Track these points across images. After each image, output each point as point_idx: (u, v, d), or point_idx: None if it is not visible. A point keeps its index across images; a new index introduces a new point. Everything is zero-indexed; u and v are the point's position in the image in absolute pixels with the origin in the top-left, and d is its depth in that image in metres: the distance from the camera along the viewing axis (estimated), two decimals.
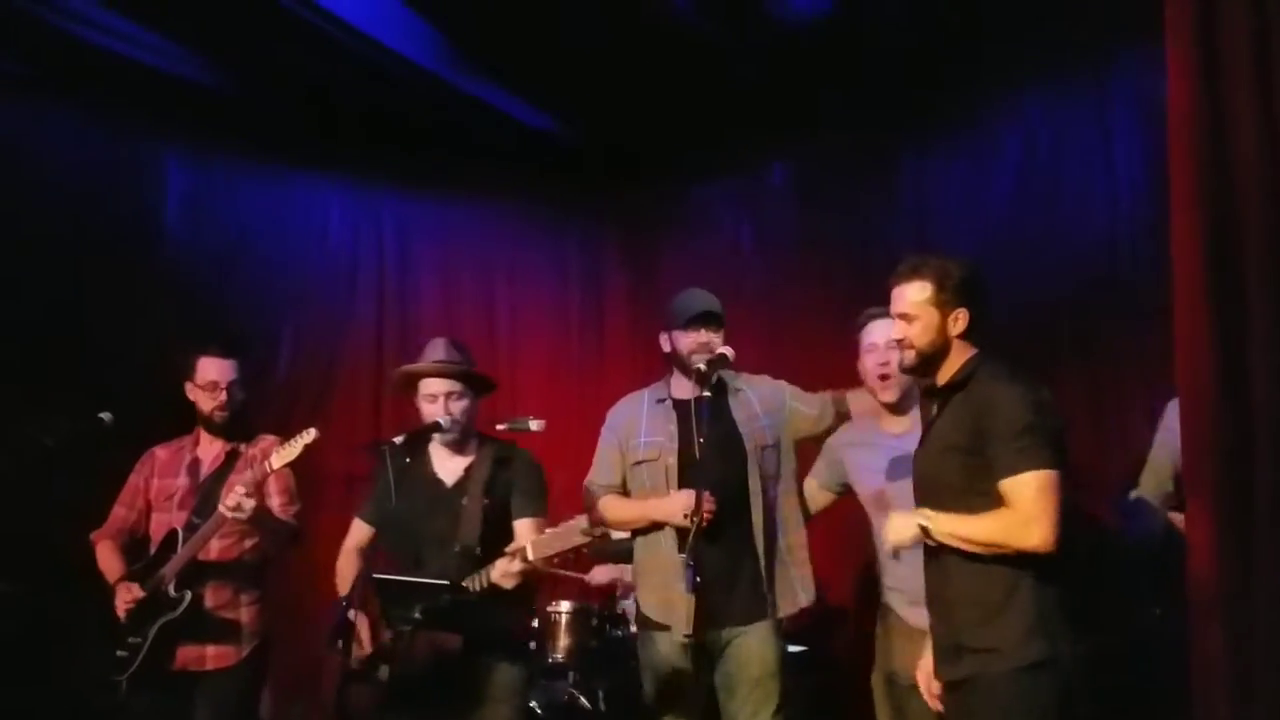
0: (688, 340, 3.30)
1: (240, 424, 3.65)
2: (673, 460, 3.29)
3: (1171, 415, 3.01)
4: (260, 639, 3.55)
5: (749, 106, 5.11)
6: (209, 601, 3.43)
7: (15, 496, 3.23)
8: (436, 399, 3.20)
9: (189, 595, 3.36)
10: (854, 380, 3.42)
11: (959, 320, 2.54)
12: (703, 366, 3.13)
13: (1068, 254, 4.17)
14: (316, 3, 4.12)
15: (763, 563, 3.20)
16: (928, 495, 2.52)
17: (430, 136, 5.36)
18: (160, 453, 3.68)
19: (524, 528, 3.18)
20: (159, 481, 3.62)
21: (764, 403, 3.37)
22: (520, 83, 4.97)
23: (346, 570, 3.27)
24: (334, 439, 5.13)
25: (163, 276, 4.88)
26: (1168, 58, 1.71)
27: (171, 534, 3.47)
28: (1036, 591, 2.33)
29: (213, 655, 3.43)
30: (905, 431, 3.08)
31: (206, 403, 3.58)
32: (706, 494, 3.04)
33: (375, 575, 2.97)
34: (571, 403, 5.77)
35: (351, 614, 2.86)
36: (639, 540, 3.38)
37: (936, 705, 2.60)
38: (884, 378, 3.21)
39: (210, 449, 3.65)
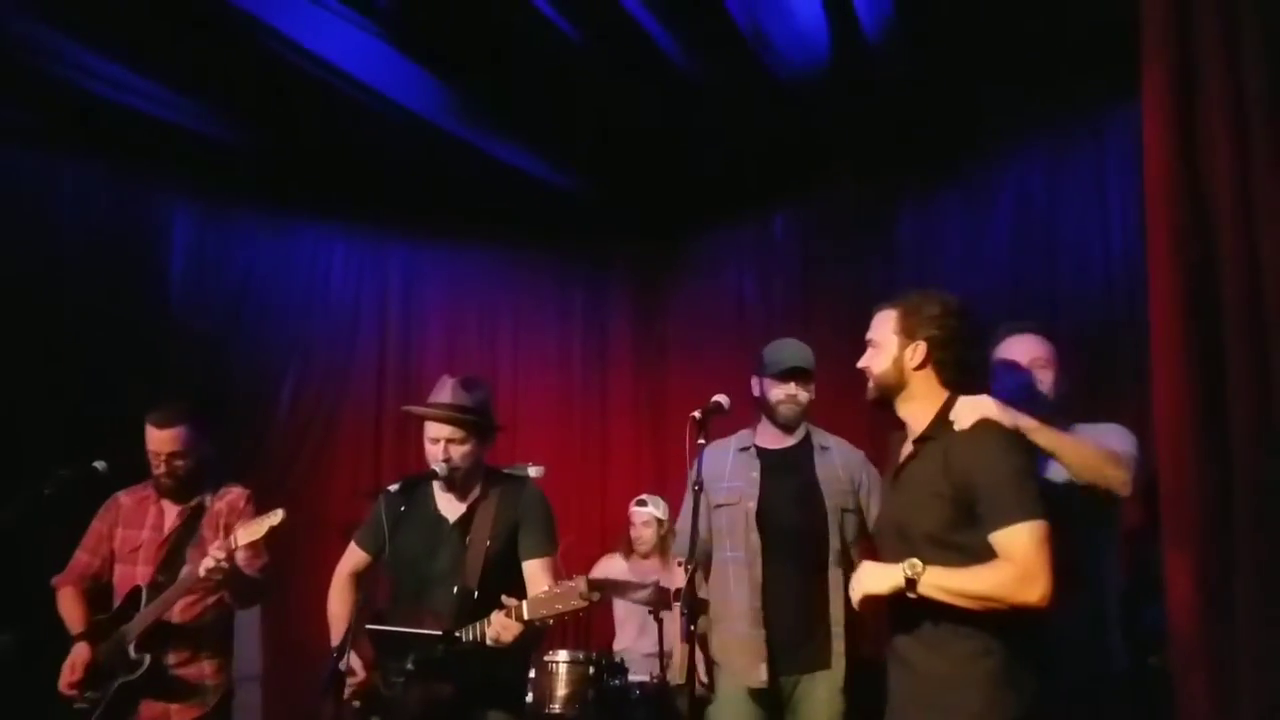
0: (776, 391, 3.40)
1: (191, 487, 3.55)
2: (752, 505, 3.35)
3: None
4: (226, 689, 3.52)
5: (751, 159, 5.18)
6: (171, 662, 3.39)
7: (14, 545, 3.23)
8: (437, 442, 3.14)
9: (148, 659, 3.32)
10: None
11: (916, 352, 2.42)
12: (697, 415, 3.06)
13: (1064, 304, 4.20)
14: (321, 56, 4.20)
15: (832, 621, 3.26)
16: (898, 542, 2.40)
17: (436, 187, 5.43)
18: (125, 499, 3.62)
19: (534, 570, 3.13)
20: (123, 531, 3.56)
21: (847, 467, 3.42)
22: (526, 136, 5.04)
23: (337, 603, 3.26)
24: (336, 485, 5.21)
25: (167, 324, 4.93)
26: (1144, 120, 1.74)
27: (135, 591, 3.43)
28: (1007, 647, 2.24)
29: (177, 711, 3.40)
30: None
31: (152, 467, 3.51)
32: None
33: (369, 627, 2.95)
34: (574, 450, 5.79)
35: (343, 665, 2.85)
36: (711, 581, 3.43)
37: None
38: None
39: (174, 503, 3.60)
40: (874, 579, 2.30)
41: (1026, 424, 2.43)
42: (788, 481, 3.39)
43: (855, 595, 2.33)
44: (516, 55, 4.35)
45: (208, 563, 3.19)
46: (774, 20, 4.15)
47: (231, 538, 3.23)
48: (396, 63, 4.38)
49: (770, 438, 3.47)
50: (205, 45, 4.16)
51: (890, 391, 2.47)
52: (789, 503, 3.34)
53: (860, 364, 2.52)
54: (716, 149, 5.12)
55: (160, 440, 3.47)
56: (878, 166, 4.98)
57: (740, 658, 3.27)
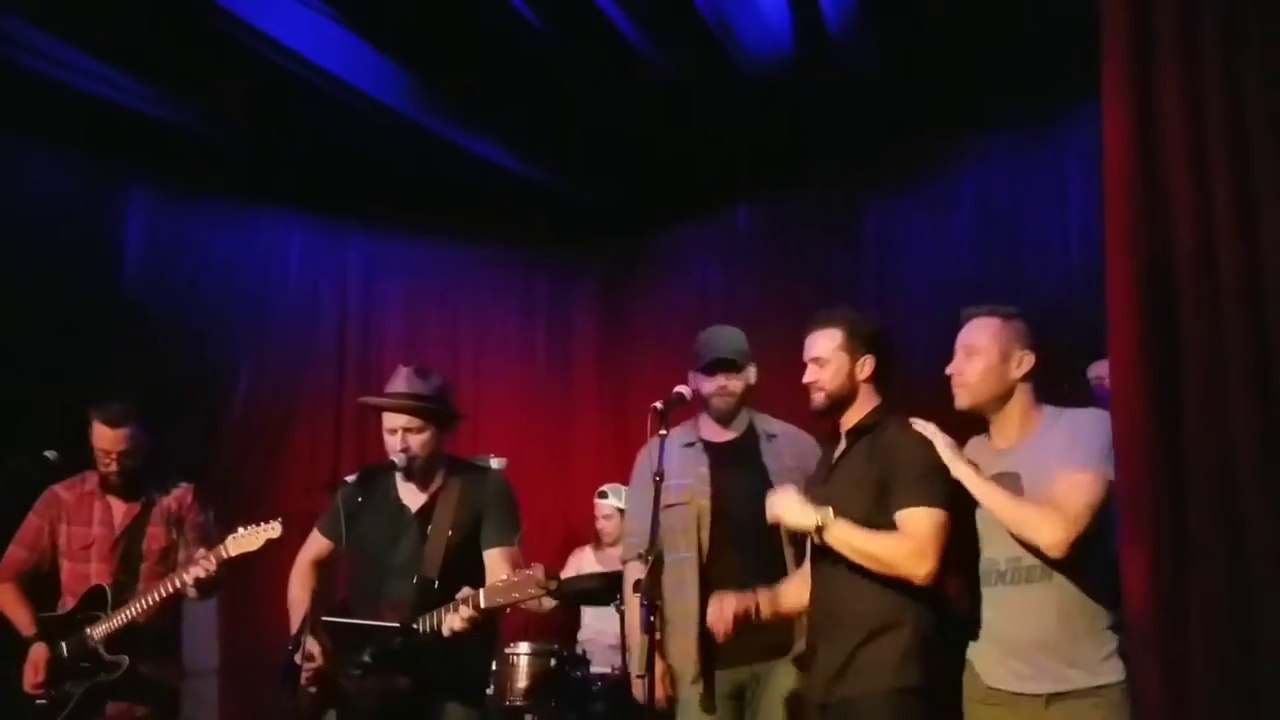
0: (707, 385, 3.34)
1: (138, 483, 3.57)
2: (705, 503, 3.28)
3: None
4: (180, 682, 3.62)
5: (716, 152, 5.18)
6: (139, 662, 3.43)
7: None
8: (395, 432, 3.11)
9: (126, 660, 3.38)
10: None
11: (865, 366, 2.72)
12: (659, 406, 3.02)
13: (1025, 300, 4.21)
14: (281, 41, 4.14)
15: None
16: None
17: (398, 176, 5.38)
18: (64, 494, 3.59)
19: (494, 559, 3.11)
20: (70, 528, 3.54)
21: (797, 454, 3.31)
22: (489, 125, 5.01)
23: (298, 591, 3.22)
24: (293, 476, 5.14)
25: (122, 311, 4.85)
26: (1104, 115, 1.77)
27: (98, 590, 3.44)
28: (919, 620, 2.49)
29: (139, 708, 3.47)
30: (1009, 447, 2.57)
31: (100, 465, 3.52)
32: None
33: (325, 619, 2.93)
34: (537, 442, 5.77)
35: (298, 657, 2.82)
36: (665, 584, 3.26)
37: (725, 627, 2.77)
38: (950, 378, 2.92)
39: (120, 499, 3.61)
40: (790, 510, 2.61)
41: (961, 471, 2.44)
42: (738, 475, 3.31)
43: (770, 515, 2.65)
44: (481, 45, 4.32)
45: (197, 572, 3.27)
46: (739, 14, 4.15)
47: (221, 548, 3.28)
48: (359, 50, 4.33)
49: (714, 430, 3.41)
50: (164, 30, 4.09)
51: (842, 403, 2.75)
52: (740, 498, 3.23)
53: (808, 379, 2.76)
54: (681, 143, 5.11)
55: (111, 439, 3.46)
56: (842, 161, 5.00)
57: (683, 660, 3.21)
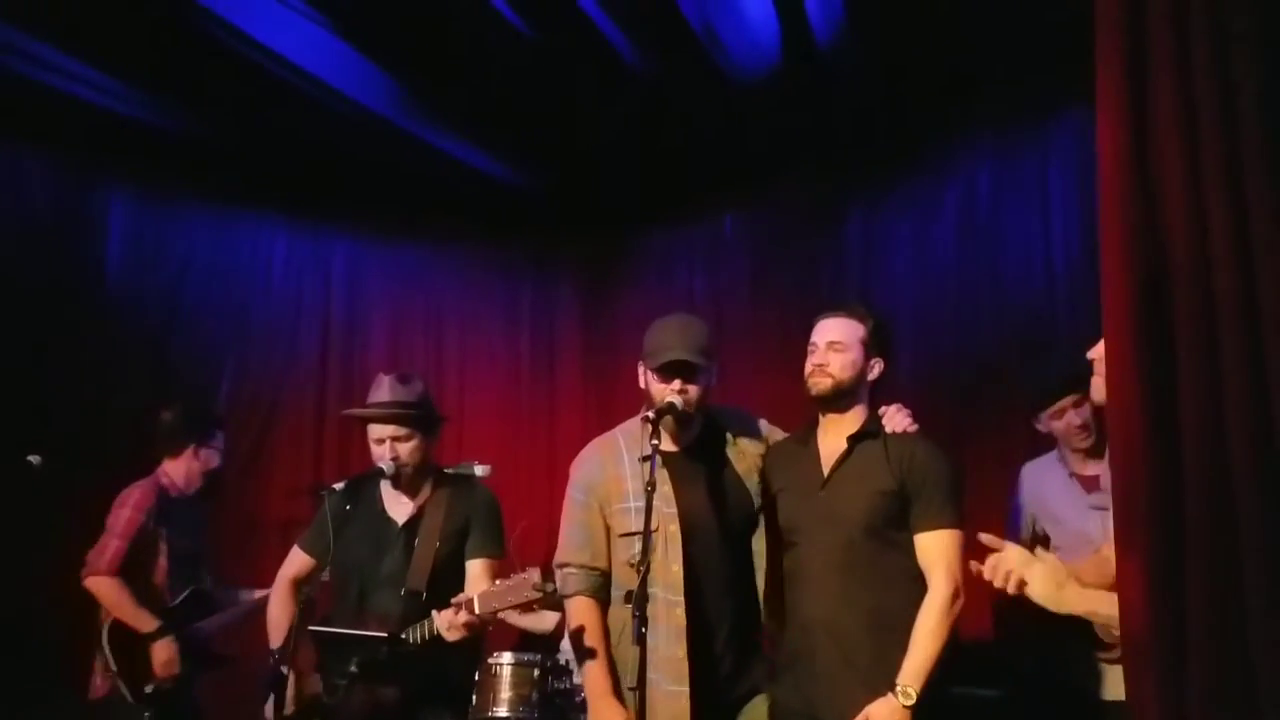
0: (660, 389, 2.65)
1: None
2: (674, 528, 2.66)
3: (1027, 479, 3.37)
4: None
5: (701, 158, 5.18)
6: None
7: None
8: (383, 442, 3.10)
9: None
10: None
11: (875, 368, 2.68)
12: (650, 415, 2.56)
13: (1007, 306, 4.27)
14: (265, 44, 4.11)
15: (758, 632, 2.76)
16: (834, 532, 2.56)
17: (382, 180, 5.35)
18: None
19: (476, 570, 3.10)
20: None
21: (754, 443, 2.85)
22: (475, 130, 4.99)
23: (278, 608, 3.18)
24: (275, 483, 5.09)
25: (104, 316, 4.80)
26: (1099, 125, 1.77)
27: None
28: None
29: None
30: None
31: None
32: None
33: (311, 628, 2.90)
34: (521, 449, 5.74)
35: (284, 669, 2.79)
36: (615, 627, 2.74)
37: None
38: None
39: None
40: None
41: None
42: (701, 488, 2.74)
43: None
44: (465, 48, 4.30)
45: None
46: (725, 19, 4.15)
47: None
48: (342, 53, 4.30)
49: (668, 438, 2.73)
50: (147, 31, 4.04)
51: (842, 397, 2.66)
52: (709, 514, 2.71)
53: (818, 361, 2.66)
54: (666, 147, 5.10)
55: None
56: (827, 166, 5.02)
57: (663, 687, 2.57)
